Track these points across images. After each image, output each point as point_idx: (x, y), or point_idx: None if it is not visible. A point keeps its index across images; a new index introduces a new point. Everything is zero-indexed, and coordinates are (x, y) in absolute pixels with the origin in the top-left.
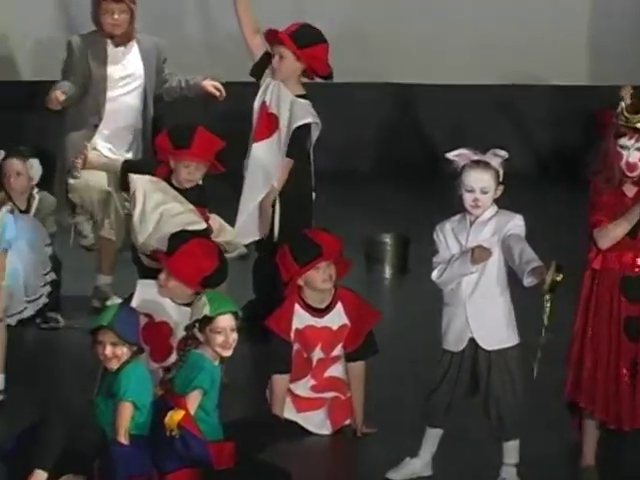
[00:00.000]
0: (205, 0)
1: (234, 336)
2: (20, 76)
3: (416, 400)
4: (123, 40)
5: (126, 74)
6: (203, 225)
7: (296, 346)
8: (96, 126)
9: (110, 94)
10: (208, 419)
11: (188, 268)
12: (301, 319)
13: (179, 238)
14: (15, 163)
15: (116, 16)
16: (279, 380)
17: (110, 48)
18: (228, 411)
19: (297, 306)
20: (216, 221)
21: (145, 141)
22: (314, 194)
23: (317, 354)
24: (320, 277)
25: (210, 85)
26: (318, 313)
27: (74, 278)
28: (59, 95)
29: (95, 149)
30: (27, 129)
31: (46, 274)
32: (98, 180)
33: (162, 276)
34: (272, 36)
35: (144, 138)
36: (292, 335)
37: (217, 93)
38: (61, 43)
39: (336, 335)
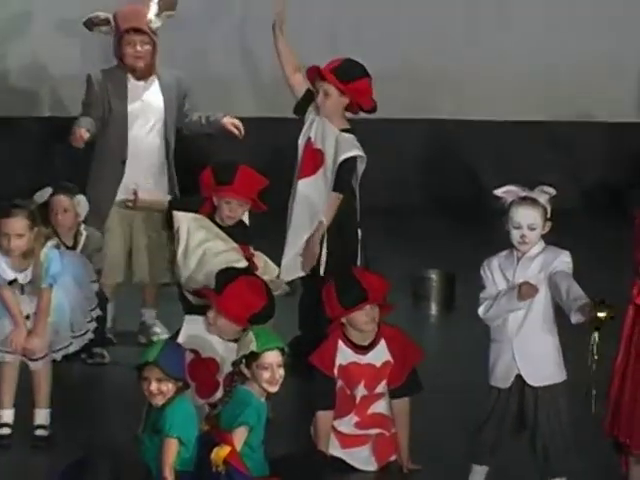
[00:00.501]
0: (246, 37)
1: (280, 372)
2: (54, 111)
3: (462, 436)
4: (144, 74)
5: (146, 109)
6: (244, 264)
7: (340, 383)
8: (123, 162)
9: (131, 130)
10: (254, 455)
11: (237, 306)
12: (344, 355)
13: (227, 276)
14: (62, 199)
15: (139, 48)
16: (323, 416)
17: (131, 82)
18: (273, 447)
19: (340, 342)
20: (261, 259)
21: (170, 176)
22: (360, 230)
23: (360, 391)
24: (363, 319)
25: (229, 123)
26: (361, 350)
27: (120, 314)
28: (83, 133)
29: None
30: (62, 165)
31: (92, 310)
32: (115, 254)
33: (211, 314)
34: (314, 73)
35: (168, 173)
36: (336, 371)
37: (236, 132)
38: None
39: (379, 372)
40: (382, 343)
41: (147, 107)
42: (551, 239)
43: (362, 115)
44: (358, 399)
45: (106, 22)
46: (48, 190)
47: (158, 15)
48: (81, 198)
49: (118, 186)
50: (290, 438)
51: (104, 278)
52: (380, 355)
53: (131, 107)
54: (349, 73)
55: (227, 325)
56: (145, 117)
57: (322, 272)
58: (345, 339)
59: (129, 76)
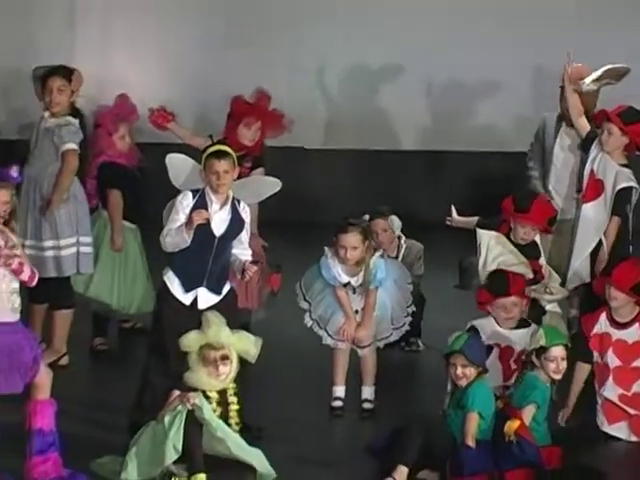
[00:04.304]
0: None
1: (564, 364)
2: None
3: None
4: (570, 123)
5: (564, 148)
6: (531, 276)
7: (596, 356)
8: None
9: (554, 166)
10: (539, 428)
11: (521, 289)
12: (601, 325)
13: (502, 279)
14: (381, 222)
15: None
16: (581, 368)
17: (563, 127)
18: (556, 421)
19: (604, 314)
20: (547, 270)
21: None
22: (631, 247)
23: (611, 359)
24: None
25: None
26: (617, 325)
27: (438, 311)
28: None
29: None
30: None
31: (408, 307)
32: None
33: (503, 312)
34: (602, 115)
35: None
36: (591, 342)
37: None
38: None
39: (631, 348)
40: (637, 325)
41: (565, 147)
42: None
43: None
44: (612, 367)
45: None
46: (366, 217)
47: (597, 80)
48: (394, 218)
49: None
50: (570, 414)
51: None
52: (633, 334)
53: (558, 146)
54: (631, 117)
55: (519, 310)
56: (565, 155)
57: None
58: (608, 312)
59: (563, 123)
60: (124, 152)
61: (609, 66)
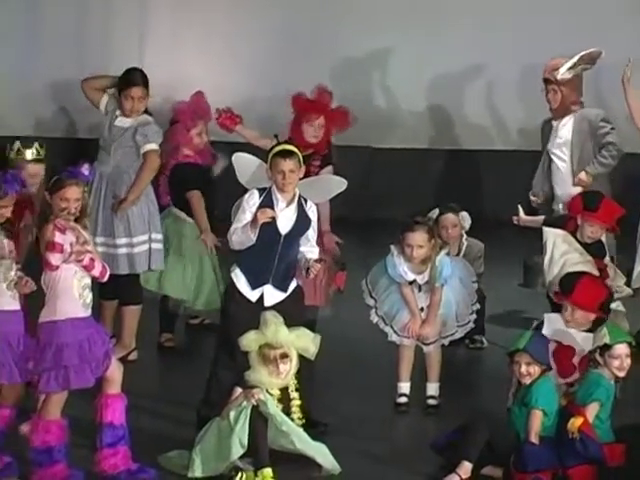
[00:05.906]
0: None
1: (628, 361)
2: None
3: None
4: (558, 114)
5: (561, 144)
6: (596, 274)
7: None
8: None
9: (553, 162)
10: (602, 425)
11: (589, 298)
12: None
13: (572, 279)
14: (451, 217)
15: (550, 95)
16: None
17: (553, 123)
18: (620, 418)
19: None
20: (611, 269)
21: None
22: None
23: None
24: None
25: None
26: None
27: (503, 309)
28: None
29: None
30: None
31: (472, 304)
32: None
33: (567, 312)
34: None
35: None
36: None
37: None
38: None
39: None
40: None
41: (561, 142)
42: None
43: None
44: None
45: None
46: (436, 211)
47: (573, 68)
48: (465, 214)
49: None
50: (633, 412)
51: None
52: None
53: (550, 144)
54: None
55: (582, 316)
56: (560, 150)
57: None
58: None
59: (552, 121)
60: (200, 149)
61: (582, 52)
